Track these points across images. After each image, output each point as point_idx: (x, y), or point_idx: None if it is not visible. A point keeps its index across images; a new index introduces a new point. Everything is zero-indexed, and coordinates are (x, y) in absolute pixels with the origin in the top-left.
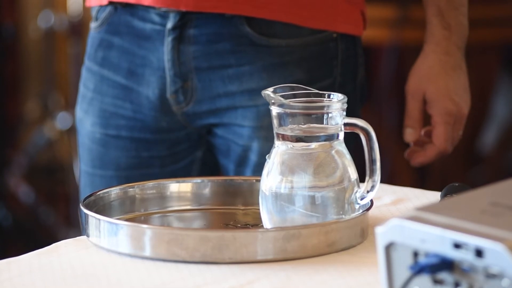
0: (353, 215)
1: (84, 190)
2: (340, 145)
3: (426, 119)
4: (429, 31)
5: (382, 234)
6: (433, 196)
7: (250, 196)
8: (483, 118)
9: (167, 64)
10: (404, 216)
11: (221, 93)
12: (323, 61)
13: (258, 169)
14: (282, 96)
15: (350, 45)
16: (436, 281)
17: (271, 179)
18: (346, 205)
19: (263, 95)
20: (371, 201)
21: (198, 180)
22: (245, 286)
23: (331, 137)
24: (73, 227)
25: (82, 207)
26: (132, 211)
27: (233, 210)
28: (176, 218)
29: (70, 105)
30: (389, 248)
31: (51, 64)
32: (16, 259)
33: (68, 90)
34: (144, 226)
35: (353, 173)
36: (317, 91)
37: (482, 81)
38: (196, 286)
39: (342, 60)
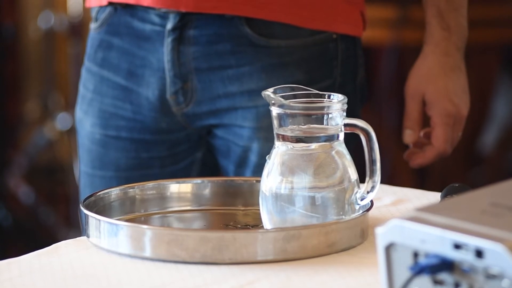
0: (353, 215)
1: (84, 191)
2: (340, 146)
3: (425, 120)
4: (429, 32)
5: (382, 235)
6: (433, 197)
7: (250, 196)
8: (483, 119)
9: (167, 65)
10: (404, 217)
11: (221, 94)
12: (322, 62)
13: (258, 170)
14: (282, 96)
15: (350, 46)
16: (436, 282)
17: (271, 179)
18: (346, 206)
19: (263, 95)
20: (371, 201)
21: (198, 180)
22: (245, 286)
23: (331, 138)
24: (73, 227)
25: (82, 208)
26: (132, 212)
27: (233, 210)
28: (176, 218)
29: (70, 106)
30: (389, 248)
31: (51, 65)
32: (17, 259)
33: (68, 90)
34: (144, 226)
35: (353, 174)
36: (317, 91)
37: (482, 82)
38: (196, 287)
39: (342, 61)
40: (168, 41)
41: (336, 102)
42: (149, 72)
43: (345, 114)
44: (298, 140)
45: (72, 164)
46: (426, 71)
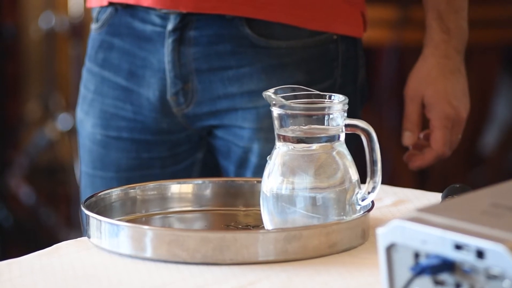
0: (354, 216)
1: (85, 191)
2: (341, 146)
3: (425, 122)
4: (429, 34)
5: (383, 235)
6: (434, 197)
7: (251, 197)
8: (484, 119)
9: (167, 66)
10: (405, 217)
11: (221, 95)
12: (323, 63)
13: (258, 171)
14: (283, 97)
15: (350, 47)
16: (437, 282)
17: (272, 180)
18: (347, 206)
19: (264, 96)
20: (372, 202)
21: (199, 181)
22: (246, 287)
23: (332, 138)
24: (74, 228)
25: (83, 208)
26: (133, 212)
27: (234, 211)
28: (177, 219)
29: (71, 106)
30: (390, 249)
31: (52, 65)
32: (17, 260)
33: (69, 91)
34: (145, 227)
35: (354, 174)
36: (318, 92)
37: (482, 82)
38: (197, 287)
39: (342, 62)
40: (168, 42)
41: (337, 103)
42: (150, 72)
43: (346, 114)
44: (299, 140)
45: (73, 164)
46: (426, 73)
